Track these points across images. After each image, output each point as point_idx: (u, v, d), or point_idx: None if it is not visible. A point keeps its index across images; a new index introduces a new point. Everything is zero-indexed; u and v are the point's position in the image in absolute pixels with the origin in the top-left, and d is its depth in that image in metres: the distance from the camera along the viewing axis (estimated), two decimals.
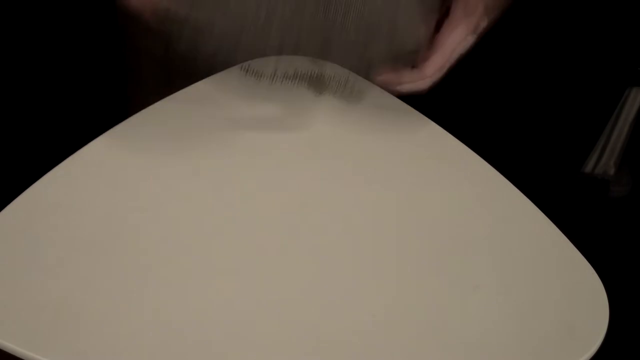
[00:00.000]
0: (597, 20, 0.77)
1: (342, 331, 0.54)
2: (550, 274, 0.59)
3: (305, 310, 0.54)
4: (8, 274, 0.55)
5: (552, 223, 0.63)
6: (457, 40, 0.60)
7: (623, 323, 0.60)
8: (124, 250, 0.58)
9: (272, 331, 0.53)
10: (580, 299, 0.58)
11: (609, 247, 1.02)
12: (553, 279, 0.59)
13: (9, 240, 0.58)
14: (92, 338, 0.52)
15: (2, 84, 0.79)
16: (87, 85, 0.85)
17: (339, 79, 0.64)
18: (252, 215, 0.60)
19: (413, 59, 0.63)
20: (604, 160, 1.06)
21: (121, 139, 0.65)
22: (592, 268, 0.60)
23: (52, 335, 0.52)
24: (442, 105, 0.67)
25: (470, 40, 0.61)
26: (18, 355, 0.51)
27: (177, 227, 0.59)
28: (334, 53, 0.57)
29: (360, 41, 0.56)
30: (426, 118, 0.69)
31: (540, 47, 0.60)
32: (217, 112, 0.66)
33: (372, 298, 0.56)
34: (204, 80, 0.73)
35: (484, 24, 0.60)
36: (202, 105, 0.69)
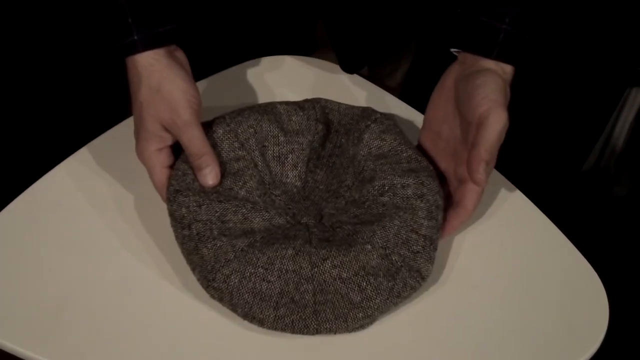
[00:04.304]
0: (597, 20, 0.77)
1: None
2: (551, 274, 0.59)
3: None
4: (8, 274, 0.55)
5: (552, 223, 0.63)
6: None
7: (623, 323, 0.60)
8: (123, 249, 0.58)
9: None
10: (581, 298, 0.58)
11: (609, 247, 1.01)
12: (553, 279, 0.59)
13: (9, 240, 0.58)
14: (91, 338, 0.52)
15: (2, 84, 0.79)
16: (87, 85, 0.85)
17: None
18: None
19: None
20: (603, 160, 1.06)
21: (121, 139, 0.65)
22: (592, 268, 0.60)
23: (52, 335, 0.52)
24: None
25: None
26: (18, 355, 0.51)
27: None
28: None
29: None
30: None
31: (540, 47, 0.60)
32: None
33: None
34: (200, 82, 0.73)
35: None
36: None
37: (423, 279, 0.55)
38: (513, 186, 0.66)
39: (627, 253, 1.06)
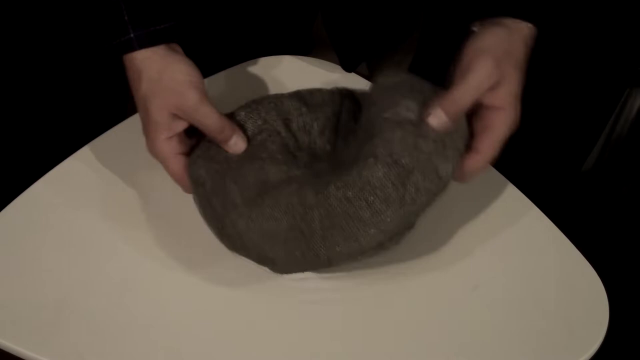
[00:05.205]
0: (597, 20, 0.77)
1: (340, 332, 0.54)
2: (550, 274, 0.59)
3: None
4: (8, 274, 0.55)
5: (552, 223, 0.63)
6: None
7: (623, 323, 0.60)
8: (123, 249, 0.58)
9: None
10: (581, 298, 0.58)
11: (609, 247, 1.01)
12: (553, 279, 0.59)
13: (9, 240, 0.58)
14: (91, 338, 0.52)
15: (2, 84, 0.79)
16: (87, 85, 0.85)
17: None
18: None
19: None
20: (604, 160, 1.06)
21: (121, 139, 0.65)
22: (592, 268, 0.60)
23: (52, 335, 0.52)
24: None
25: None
26: (18, 355, 0.51)
27: (177, 225, 0.59)
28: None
29: None
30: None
31: (540, 47, 0.60)
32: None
33: (371, 295, 0.56)
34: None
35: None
36: None
37: (440, 179, 0.51)
38: (513, 186, 0.66)
39: (627, 253, 1.06)
